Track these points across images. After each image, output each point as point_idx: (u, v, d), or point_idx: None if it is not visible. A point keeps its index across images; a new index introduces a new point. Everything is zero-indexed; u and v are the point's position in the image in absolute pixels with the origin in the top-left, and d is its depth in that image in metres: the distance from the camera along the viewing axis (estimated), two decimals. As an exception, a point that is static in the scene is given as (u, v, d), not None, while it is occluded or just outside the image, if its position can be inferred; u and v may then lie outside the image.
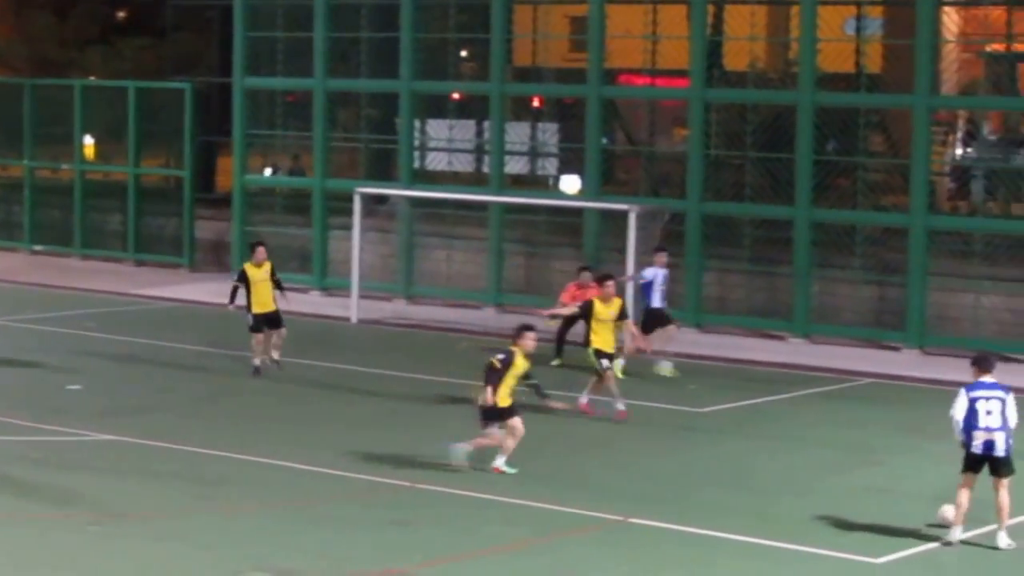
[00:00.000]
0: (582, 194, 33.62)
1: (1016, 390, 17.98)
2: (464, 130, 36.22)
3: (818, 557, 16.68)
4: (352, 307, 32.13)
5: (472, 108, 35.88)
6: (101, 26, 57.34)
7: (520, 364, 19.69)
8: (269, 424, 22.77)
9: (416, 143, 35.82)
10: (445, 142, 36.10)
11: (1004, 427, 16.88)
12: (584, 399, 23.36)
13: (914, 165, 29.75)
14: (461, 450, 19.63)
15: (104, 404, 23.78)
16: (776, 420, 23.94)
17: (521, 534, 17.29)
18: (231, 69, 37.45)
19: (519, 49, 36.19)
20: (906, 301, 29.91)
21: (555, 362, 27.67)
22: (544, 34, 36.04)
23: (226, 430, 22.28)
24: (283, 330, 25.99)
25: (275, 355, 25.97)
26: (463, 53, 36.59)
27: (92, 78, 49.31)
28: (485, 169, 35.33)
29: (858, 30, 34.62)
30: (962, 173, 32.35)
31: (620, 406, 23.06)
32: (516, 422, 19.64)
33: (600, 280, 24.01)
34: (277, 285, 26.11)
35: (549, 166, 36.67)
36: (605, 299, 23.32)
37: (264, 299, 25.78)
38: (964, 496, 17.00)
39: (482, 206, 34.12)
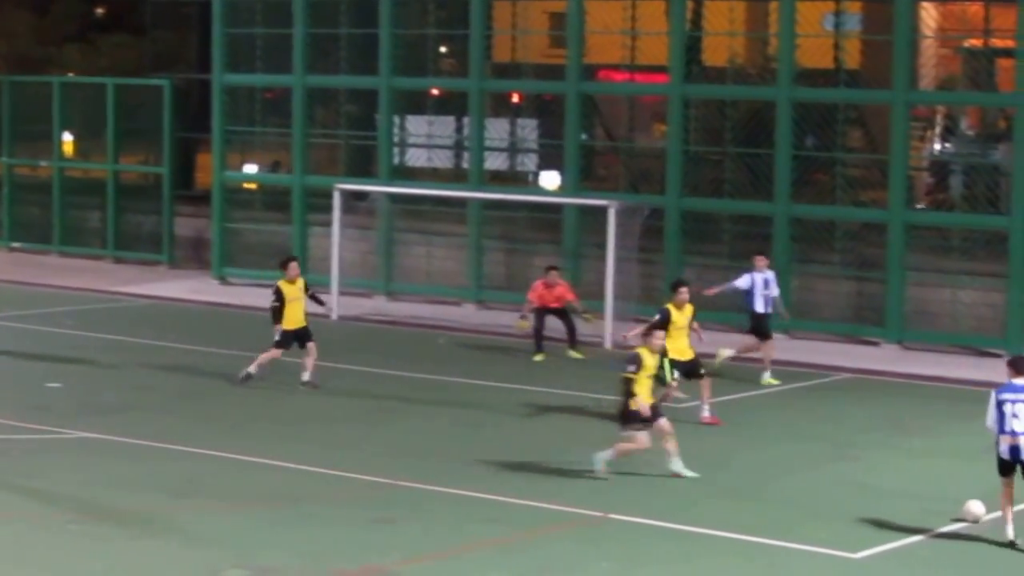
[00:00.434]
0: (562, 190, 33.62)
1: (993, 385, 18.05)
2: (444, 126, 36.20)
3: (797, 552, 16.71)
4: (332, 304, 32.09)
5: (451, 104, 35.85)
6: (80, 23, 57.28)
7: (649, 362, 19.46)
8: (249, 422, 22.75)
9: (396, 139, 35.81)
10: (425, 138, 36.07)
11: None
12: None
13: (892, 161, 29.85)
14: (601, 458, 19.36)
15: (83, 402, 23.75)
16: (755, 415, 23.97)
17: (503, 531, 17.30)
18: (210, 65, 37.38)
19: (498, 45, 36.14)
20: (885, 296, 29.99)
21: (537, 357, 27.69)
22: (523, 30, 36.04)
23: (206, 428, 22.24)
24: (312, 344, 24.97)
25: (306, 377, 24.81)
26: (442, 49, 36.58)
27: (71, 75, 49.10)
28: (465, 165, 35.30)
29: (837, 26, 34.56)
30: (940, 168, 32.41)
31: (705, 412, 22.92)
32: (663, 423, 19.37)
33: (674, 287, 23.51)
34: (314, 298, 25.62)
35: (529, 162, 36.67)
36: (679, 305, 23.06)
37: (297, 316, 25.01)
38: (1006, 508, 16.76)
39: (462, 202, 34.11)
